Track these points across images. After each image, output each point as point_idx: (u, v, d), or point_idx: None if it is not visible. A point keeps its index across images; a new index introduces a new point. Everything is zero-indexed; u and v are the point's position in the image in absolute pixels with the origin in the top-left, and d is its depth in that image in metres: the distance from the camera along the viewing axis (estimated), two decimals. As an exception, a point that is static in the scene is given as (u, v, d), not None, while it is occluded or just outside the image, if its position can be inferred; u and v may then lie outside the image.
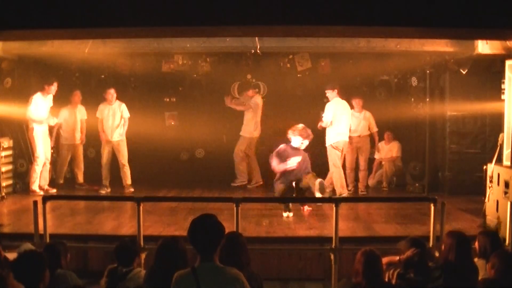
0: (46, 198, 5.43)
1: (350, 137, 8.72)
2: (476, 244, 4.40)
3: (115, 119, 8.82)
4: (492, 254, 3.91)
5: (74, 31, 5.59)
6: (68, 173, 9.55)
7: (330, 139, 8.24)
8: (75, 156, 9.31)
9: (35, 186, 8.51)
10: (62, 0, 5.16)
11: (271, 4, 5.04)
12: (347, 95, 9.29)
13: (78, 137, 9.26)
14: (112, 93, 8.83)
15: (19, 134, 8.92)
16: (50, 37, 7.11)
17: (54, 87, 8.54)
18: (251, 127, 9.26)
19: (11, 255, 4.05)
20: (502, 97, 6.94)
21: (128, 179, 8.92)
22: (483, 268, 4.02)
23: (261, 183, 9.29)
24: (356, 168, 9.16)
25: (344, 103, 8.40)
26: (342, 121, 8.26)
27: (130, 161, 9.10)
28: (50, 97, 8.61)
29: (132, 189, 8.92)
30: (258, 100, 9.34)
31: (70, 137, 9.19)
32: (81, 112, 9.27)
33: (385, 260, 4.02)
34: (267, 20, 5.16)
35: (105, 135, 8.83)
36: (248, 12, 5.04)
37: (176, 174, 9.96)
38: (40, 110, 8.47)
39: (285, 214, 7.12)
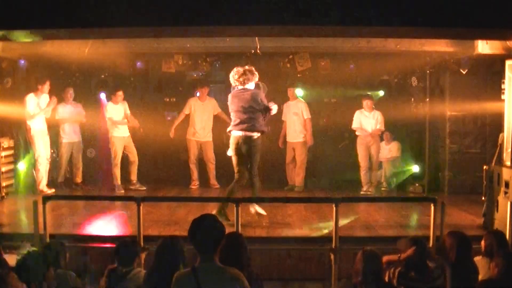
0: (46, 198, 5.43)
1: (362, 137, 8.91)
2: (483, 242, 4.40)
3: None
4: (497, 254, 3.92)
5: (74, 31, 5.59)
6: (68, 172, 9.54)
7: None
8: (75, 155, 9.30)
9: (42, 186, 8.52)
10: (63, 1, 5.17)
11: (271, 4, 5.04)
12: (347, 95, 9.33)
13: (77, 135, 9.27)
14: (120, 94, 8.98)
15: (19, 134, 8.92)
16: (50, 37, 7.10)
17: (47, 86, 8.56)
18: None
19: (10, 258, 4.05)
20: (502, 97, 6.94)
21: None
22: (486, 267, 4.02)
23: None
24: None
25: None
26: None
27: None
28: (44, 97, 8.61)
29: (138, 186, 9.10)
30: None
31: (70, 135, 9.19)
32: (76, 109, 9.26)
33: (384, 259, 4.03)
34: (267, 20, 5.16)
35: (121, 132, 8.96)
36: (248, 12, 5.04)
37: (176, 174, 9.95)
38: (34, 111, 8.47)
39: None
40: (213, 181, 9.39)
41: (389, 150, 9.56)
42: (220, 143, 9.58)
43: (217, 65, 9.92)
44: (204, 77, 10.04)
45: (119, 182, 8.92)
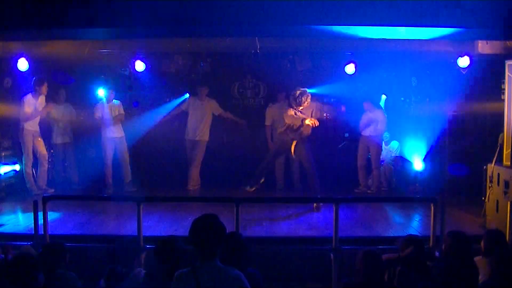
0: (46, 198, 5.42)
1: (364, 136, 9.01)
2: (482, 242, 4.40)
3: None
4: (496, 254, 3.92)
5: (76, 31, 5.59)
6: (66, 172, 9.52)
7: None
8: (68, 156, 9.28)
9: (30, 185, 8.53)
10: (62, 1, 5.18)
11: (271, 5, 5.05)
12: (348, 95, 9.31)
13: (69, 135, 9.24)
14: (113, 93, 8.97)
15: (19, 134, 8.90)
16: (50, 37, 7.11)
17: (45, 88, 8.53)
18: None
19: None
20: (502, 97, 6.94)
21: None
22: (486, 267, 4.02)
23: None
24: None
25: None
26: None
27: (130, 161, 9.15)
28: (42, 98, 8.59)
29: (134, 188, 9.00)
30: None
31: (61, 136, 9.16)
32: (68, 110, 9.24)
33: (384, 258, 4.03)
34: (268, 20, 5.17)
35: (108, 132, 8.85)
36: (248, 13, 5.05)
37: (176, 174, 9.93)
38: (31, 111, 8.46)
39: None
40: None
41: (389, 150, 9.58)
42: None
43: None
44: (203, 77, 10.01)
45: (110, 181, 8.90)
